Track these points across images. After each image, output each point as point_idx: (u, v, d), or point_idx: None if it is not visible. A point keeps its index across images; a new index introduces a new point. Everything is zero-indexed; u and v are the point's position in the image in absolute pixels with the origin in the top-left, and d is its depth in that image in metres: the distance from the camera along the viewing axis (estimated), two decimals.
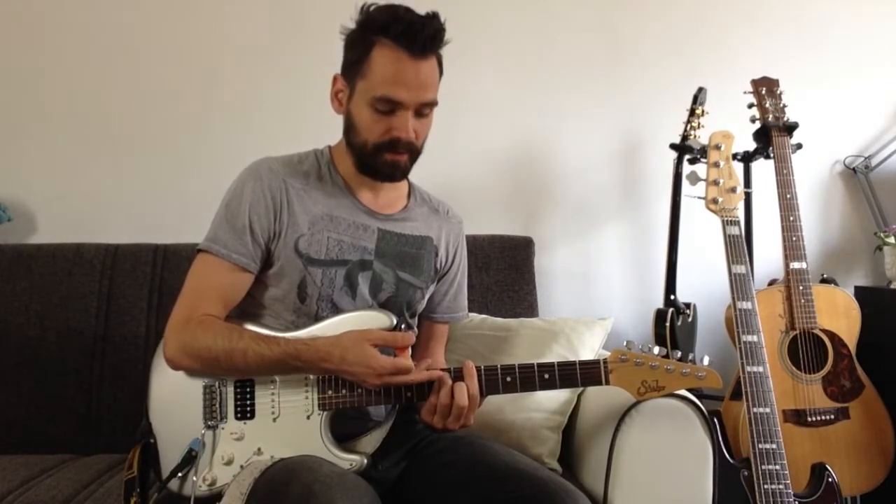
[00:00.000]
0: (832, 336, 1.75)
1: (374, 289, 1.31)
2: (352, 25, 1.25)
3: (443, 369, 1.20)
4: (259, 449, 1.18)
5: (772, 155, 1.84)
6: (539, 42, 2.19)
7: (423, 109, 1.24)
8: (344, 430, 1.23)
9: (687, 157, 1.92)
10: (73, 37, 2.11)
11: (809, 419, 1.69)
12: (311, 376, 1.19)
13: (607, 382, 1.19)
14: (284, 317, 1.27)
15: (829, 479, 1.44)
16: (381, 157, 1.24)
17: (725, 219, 1.48)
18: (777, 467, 1.34)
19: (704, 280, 2.11)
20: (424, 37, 1.18)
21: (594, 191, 2.20)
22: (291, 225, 1.26)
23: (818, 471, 1.46)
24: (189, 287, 1.25)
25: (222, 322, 1.22)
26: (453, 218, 1.47)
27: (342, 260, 1.28)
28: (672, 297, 1.91)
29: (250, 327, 1.23)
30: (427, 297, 1.41)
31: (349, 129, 1.28)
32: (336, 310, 1.27)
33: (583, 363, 1.20)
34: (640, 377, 1.20)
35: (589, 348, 1.63)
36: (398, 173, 1.28)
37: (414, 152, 1.27)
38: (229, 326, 1.20)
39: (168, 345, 1.20)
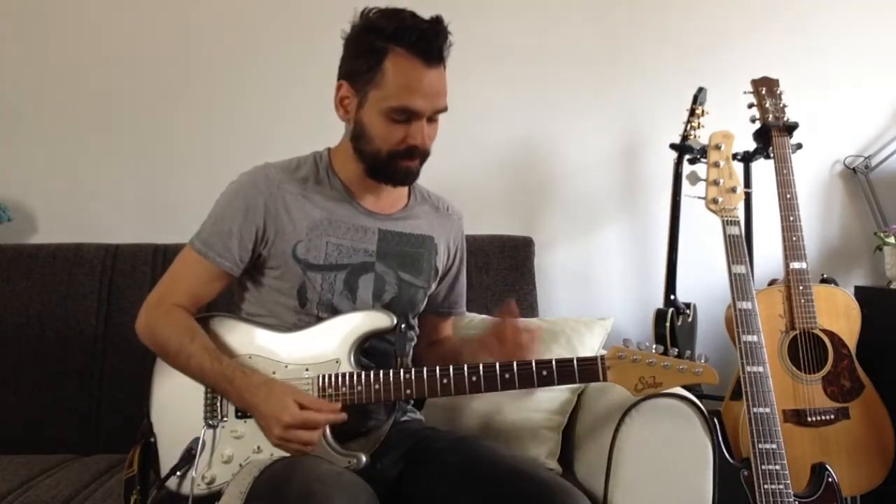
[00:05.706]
0: (832, 336, 1.74)
1: (377, 291, 1.31)
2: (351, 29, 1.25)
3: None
4: (258, 447, 1.18)
5: (772, 155, 1.84)
6: (539, 42, 2.19)
7: (435, 115, 1.26)
8: (343, 428, 1.22)
9: (687, 157, 1.93)
10: (73, 37, 2.11)
11: (809, 419, 1.69)
12: (312, 374, 1.20)
13: (605, 379, 1.20)
14: (286, 319, 1.28)
15: (829, 479, 1.43)
16: (395, 164, 1.26)
17: (725, 219, 1.47)
18: (777, 467, 1.34)
19: (704, 280, 2.11)
20: (438, 45, 1.20)
21: (594, 191, 2.20)
22: (287, 231, 1.27)
23: (818, 471, 1.46)
24: (170, 273, 1.30)
25: (186, 318, 1.24)
26: (454, 215, 1.47)
27: (342, 264, 1.28)
28: (672, 297, 1.91)
29: (235, 328, 1.25)
30: (428, 295, 1.41)
31: (359, 137, 1.26)
32: (336, 313, 1.27)
33: (580, 360, 1.20)
34: (637, 374, 1.20)
35: (589, 348, 1.63)
36: (411, 178, 1.30)
37: (425, 157, 1.29)
38: (189, 326, 1.22)
39: (139, 319, 1.26)
